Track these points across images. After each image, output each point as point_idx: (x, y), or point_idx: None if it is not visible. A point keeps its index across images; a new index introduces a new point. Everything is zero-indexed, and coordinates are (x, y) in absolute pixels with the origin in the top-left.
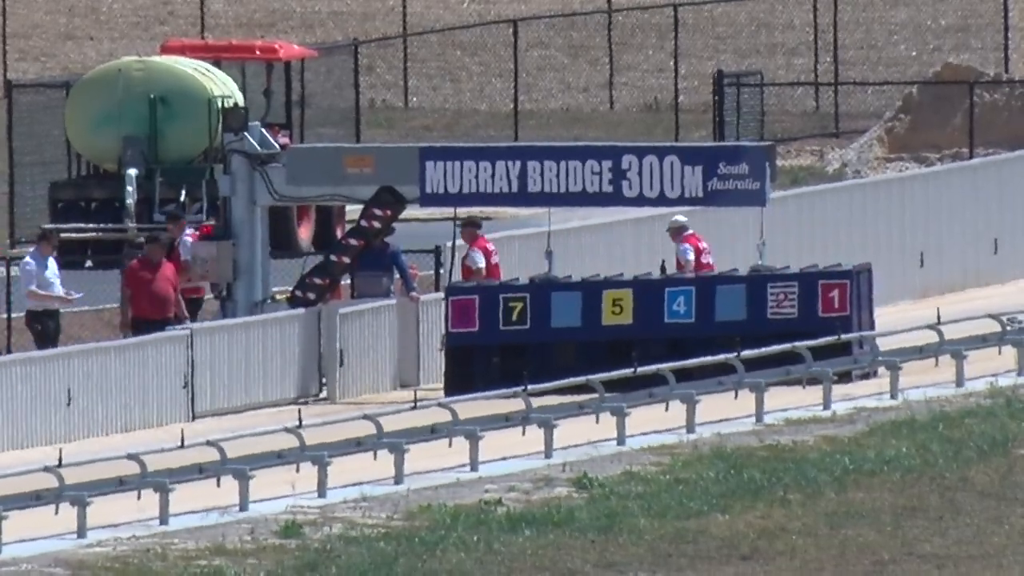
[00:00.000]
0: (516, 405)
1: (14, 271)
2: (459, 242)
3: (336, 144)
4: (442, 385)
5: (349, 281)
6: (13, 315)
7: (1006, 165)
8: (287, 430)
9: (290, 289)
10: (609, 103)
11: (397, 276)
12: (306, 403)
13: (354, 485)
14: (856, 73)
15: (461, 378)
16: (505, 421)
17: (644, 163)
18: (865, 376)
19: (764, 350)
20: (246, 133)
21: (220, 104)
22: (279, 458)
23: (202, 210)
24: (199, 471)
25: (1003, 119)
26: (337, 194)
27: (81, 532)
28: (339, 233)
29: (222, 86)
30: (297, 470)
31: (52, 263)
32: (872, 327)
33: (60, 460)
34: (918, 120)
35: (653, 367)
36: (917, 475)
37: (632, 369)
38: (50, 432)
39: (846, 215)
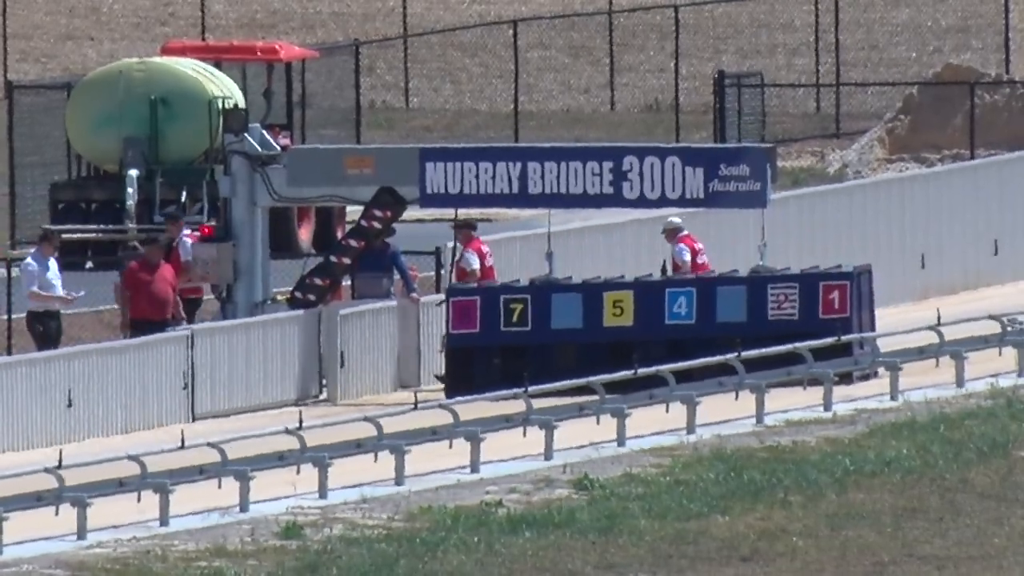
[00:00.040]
0: (517, 406)
1: (15, 272)
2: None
3: (336, 145)
4: (442, 386)
5: (349, 282)
6: (14, 316)
7: (1007, 166)
8: (288, 431)
9: (290, 290)
10: (610, 104)
11: (397, 277)
12: (306, 404)
13: (355, 486)
14: (857, 74)
15: (462, 379)
16: (506, 422)
17: (645, 164)
18: (865, 377)
19: (764, 351)
20: (246, 134)
21: (221, 105)
22: (280, 459)
23: (202, 211)
24: (200, 472)
25: (1004, 120)
26: (337, 195)
27: (81, 533)
28: (339, 234)
29: (223, 87)
30: (298, 471)
31: (53, 264)
32: (873, 328)
33: (60, 461)
34: (919, 121)
35: (653, 368)
36: (917, 476)
37: (633, 370)
38: (50, 433)
39: (847, 216)
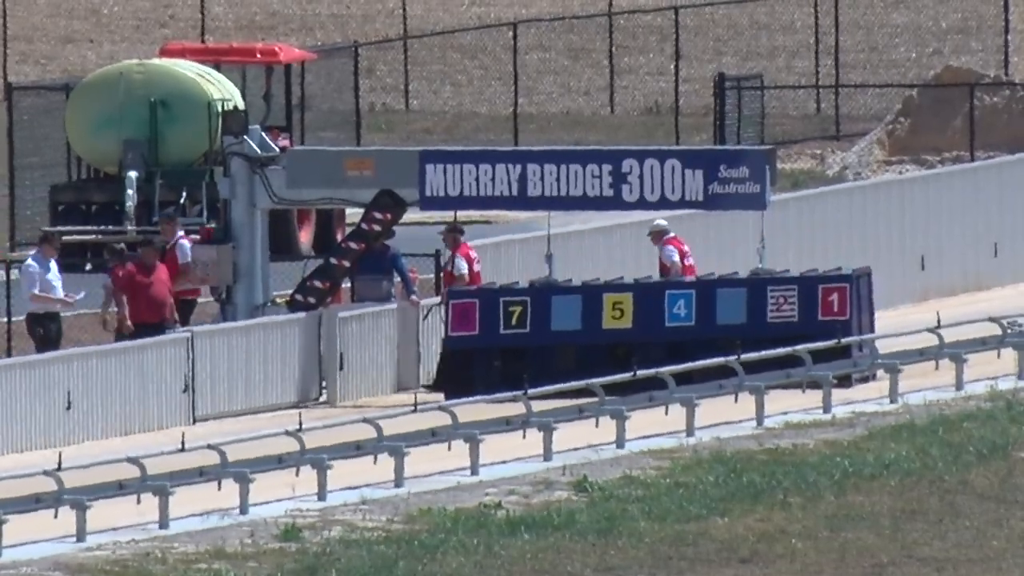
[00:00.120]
0: (516, 408)
1: (14, 274)
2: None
3: (336, 147)
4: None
5: (349, 284)
6: (13, 318)
7: (1006, 168)
8: (287, 433)
9: (290, 292)
10: (610, 106)
11: (397, 280)
12: (306, 406)
13: (354, 488)
14: (856, 76)
15: (461, 381)
16: (505, 424)
17: (645, 167)
18: (865, 379)
19: (764, 353)
20: (246, 136)
21: (220, 107)
22: (279, 461)
23: (202, 213)
24: (199, 474)
25: (1003, 122)
26: (337, 197)
27: (81, 536)
28: (339, 236)
29: (222, 89)
30: (297, 473)
31: (54, 266)
32: (872, 330)
33: (60, 464)
34: (918, 123)
35: (653, 370)
36: (917, 478)
37: (632, 372)
38: (50, 435)
39: (846, 218)
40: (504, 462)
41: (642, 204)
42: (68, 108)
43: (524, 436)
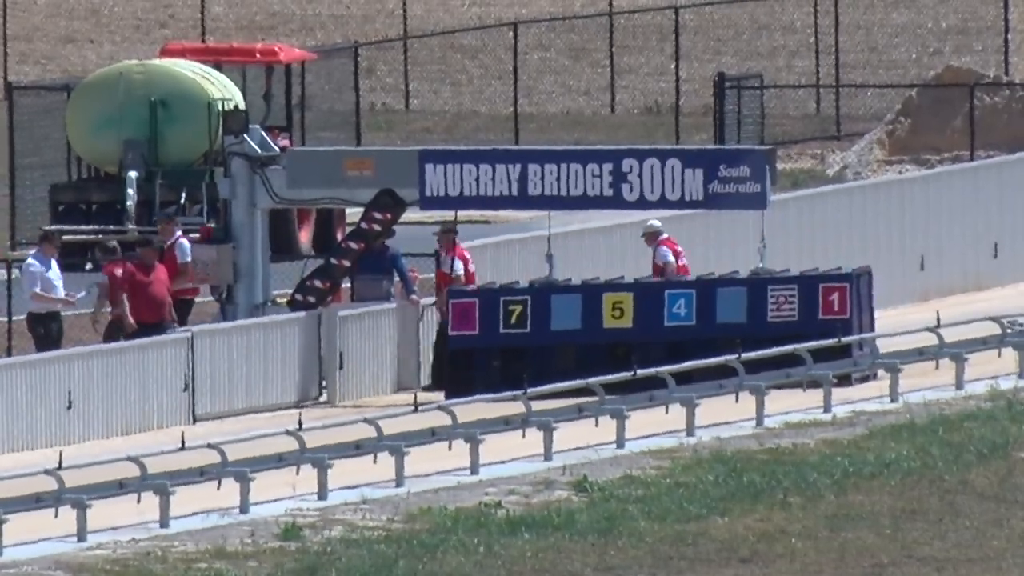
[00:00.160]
0: (516, 408)
1: (15, 273)
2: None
3: (336, 147)
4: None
5: (349, 284)
6: (14, 317)
7: (1006, 168)
8: (287, 433)
9: (290, 292)
10: (610, 106)
11: (397, 279)
12: (306, 406)
13: (354, 488)
14: (857, 76)
15: (461, 381)
16: (505, 424)
17: (645, 166)
18: (865, 379)
19: (764, 353)
20: (246, 136)
21: (220, 107)
22: (279, 461)
23: (202, 213)
24: (200, 474)
25: (1003, 122)
26: (337, 197)
27: (81, 535)
28: (339, 236)
29: (222, 89)
30: (297, 473)
31: (54, 265)
32: (872, 330)
33: (60, 463)
34: (918, 123)
35: (653, 370)
36: (917, 478)
37: (632, 372)
38: (50, 434)
39: (846, 218)
40: (504, 462)
41: (642, 204)
42: (68, 108)
43: (524, 436)
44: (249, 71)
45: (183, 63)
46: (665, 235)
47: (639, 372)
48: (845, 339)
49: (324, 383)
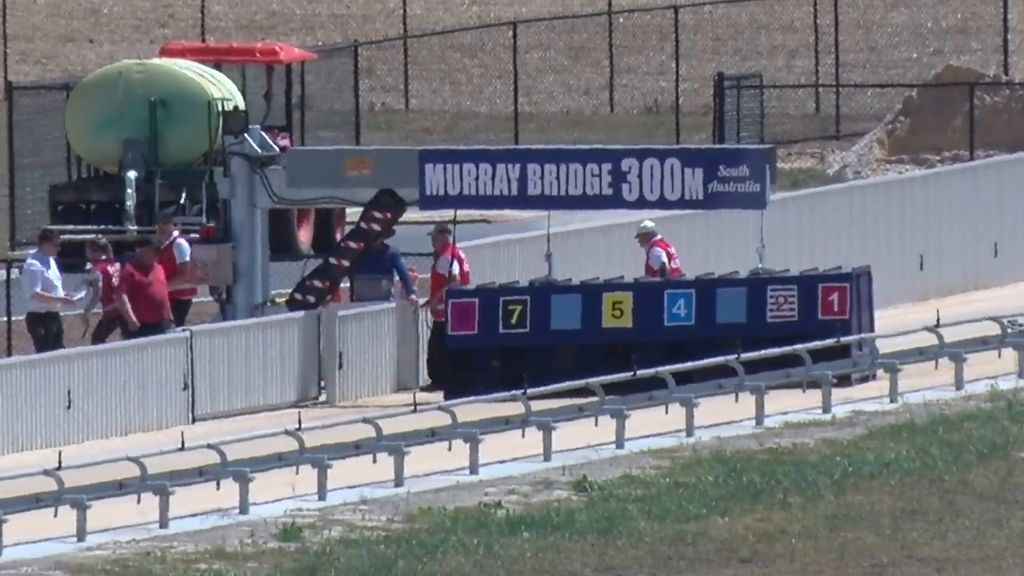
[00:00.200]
0: (516, 408)
1: (14, 273)
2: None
3: (336, 147)
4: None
5: (348, 284)
6: (12, 317)
7: (1006, 167)
8: (287, 433)
9: (290, 292)
10: (609, 105)
11: (397, 279)
12: (306, 406)
13: (354, 488)
14: (856, 75)
15: (461, 381)
16: (504, 424)
17: (644, 166)
18: (864, 379)
19: (764, 353)
20: (246, 136)
21: (220, 107)
22: (279, 461)
23: (202, 213)
24: (199, 474)
25: (1003, 121)
26: (336, 197)
27: (81, 535)
28: (339, 236)
29: (222, 89)
30: (297, 473)
31: (53, 264)
32: (872, 330)
33: (60, 463)
34: (918, 122)
35: (653, 370)
36: (916, 478)
37: (632, 372)
38: (50, 435)
39: (846, 217)
40: (504, 462)
41: (642, 203)
42: (68, 108)
43: (524, 436)
44: (249, 71)
45: (183, 63)
46: (659, 236)
47: (639, 372)
48: (845, 339)
49: (323, 383)
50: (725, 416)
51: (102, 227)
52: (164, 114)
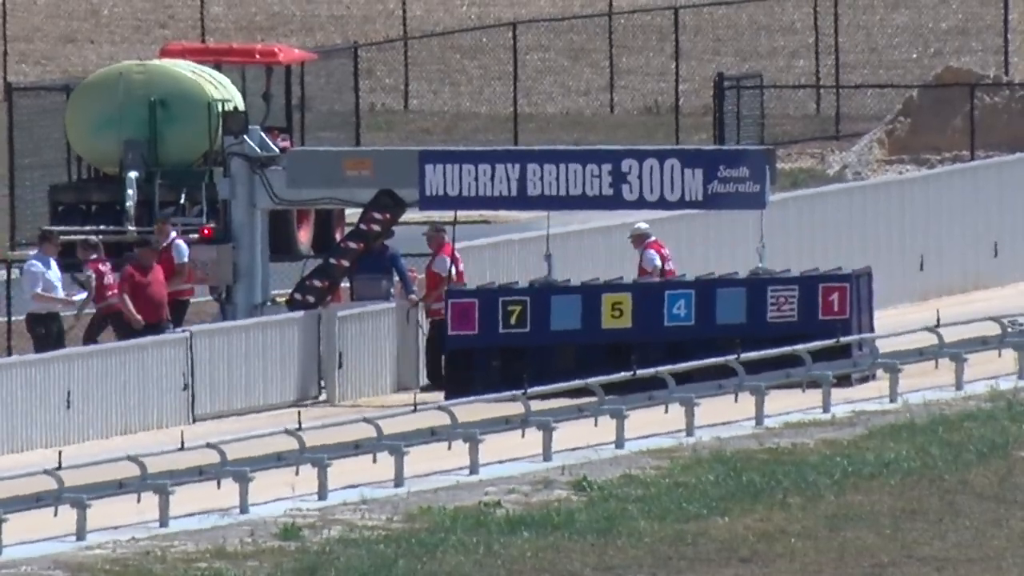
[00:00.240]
0: (515, 408)
1: (14, 273)
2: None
3: (336, 148)
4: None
5: (348, 284)
6: (13, 317)
7: (1006, 168)
8: (287, 432)
9: (289, 292)
10: (609, 106)
11: (396, 279)
12: (305, 405)
13: (354, 487)
14: (856, 76)
15: (461, 381)
16: (504, 424)
17: (644, 166)
18: (865, 379)
19: (764, 353)
20: (246, 136)
21: (220, 107)
22: (279, 460)
23: (202, 213)
24: (199, 473)
25: (1003, 122)
26: (336, 197)
27: (81, 534)
28: (338, 236)
29: (222, 89)
30: (297, 472)
31: (54, 264)
32: (872, 330)
33: (60, 462)
34: (918, 123)
35: (652, 370)
36: (916, 478)
37: (631, 372)
38: (50, 434)
39: (846, 218)
40: (503, 461)
41: (641, 204)
42: (68, 108)
43: (523, 436)
44: (249, 71)
45: (183, 63)
46: (652, 238)
47: (638, 372)
48: (845, 339)
49: (323, 383)
50: (725, 416)
51: (102, 228)
52: (164, 115)
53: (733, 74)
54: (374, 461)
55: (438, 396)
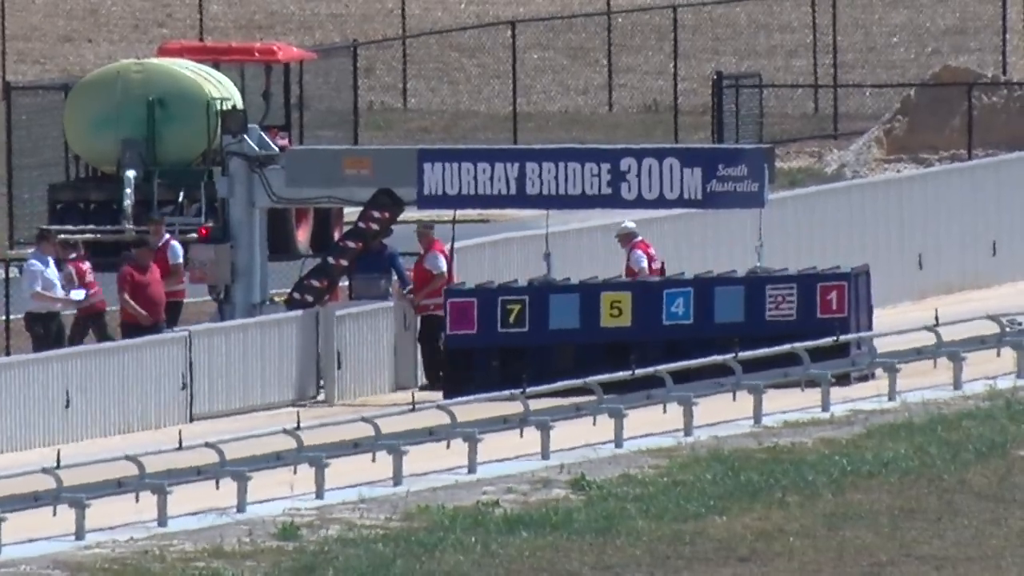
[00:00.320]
0: (514, 407)
1: (12, 272)
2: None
3: (335, 146)
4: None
5: (347, 283)
6: (11, 317)
7: (1004, 167)
8: (285, 432)
9: (288, 291)
10: (608, 105)
11: (395, 278)
12: (304, 405)
13: (352, 487)
14: (855, 75)
15: (460, 380)
16: (503, 423)
17: (643, 165)
18: (863, 378)
19: (762, 352)
20: (245, 135)
21: (219, 106)
22: (277, 460)
23: (200, 212)
24: (197, 473)
25: (1001, 121)
26: (335, 196)
27: (79, 534)
28: (337, 235)
29: (221, 88)
30: (295, 472)
31: (52, 264)
32: (870, 329)
33: (58, 462)
34: (916, 122)
35: (651, 369)
36: (915, 477)
37: (630, 371)
38: (48, 434)
39: (844, 217)
40: (502, 461)
41: (640, 203)
42: (66, 107)
43: (522, 435)
44: (248, 70)
45: (181, 62)
46: (639, 237)
47: (637, 371)
48: (843, 338)
49: (322, 382)
50: (723, 415)
51: (100, 227)
52: (162, 114)
53: (732, 73)
54: (373, 460)
55: (436, 395)
